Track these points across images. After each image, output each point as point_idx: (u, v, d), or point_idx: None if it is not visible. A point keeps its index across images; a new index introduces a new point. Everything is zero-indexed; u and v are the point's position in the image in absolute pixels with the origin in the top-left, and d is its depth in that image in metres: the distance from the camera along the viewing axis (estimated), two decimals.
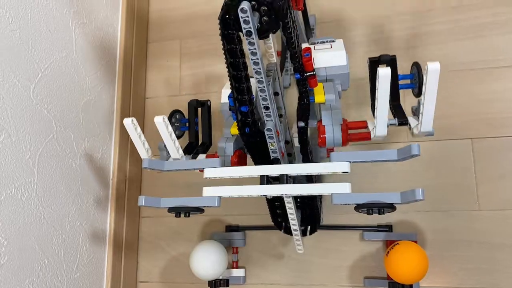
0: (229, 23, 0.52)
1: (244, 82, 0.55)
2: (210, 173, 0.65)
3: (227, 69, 0.57)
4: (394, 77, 0.66)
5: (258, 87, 0.57)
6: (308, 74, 0.60)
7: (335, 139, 0.61)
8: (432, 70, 0.49)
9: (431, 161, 0.93)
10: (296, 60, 0.59)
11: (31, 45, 0.77)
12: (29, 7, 0.76)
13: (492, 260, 0.87)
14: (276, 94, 0.69)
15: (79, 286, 0.87)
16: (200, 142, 0.80)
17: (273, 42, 0.83)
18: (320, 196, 0.90)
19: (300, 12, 0.96)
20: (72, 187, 0.86)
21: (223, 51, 0.54)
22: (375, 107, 0.58)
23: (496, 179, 0.90)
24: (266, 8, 0.52)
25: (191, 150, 0.77)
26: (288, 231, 0.88)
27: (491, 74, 0.94)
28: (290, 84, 1.03)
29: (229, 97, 0.62)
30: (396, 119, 0.62)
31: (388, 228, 0.92)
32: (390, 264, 0.81)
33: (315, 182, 0.82)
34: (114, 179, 1.00)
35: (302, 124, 0.66)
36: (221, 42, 0.53)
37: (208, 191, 0.63)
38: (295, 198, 0.80)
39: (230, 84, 0.57)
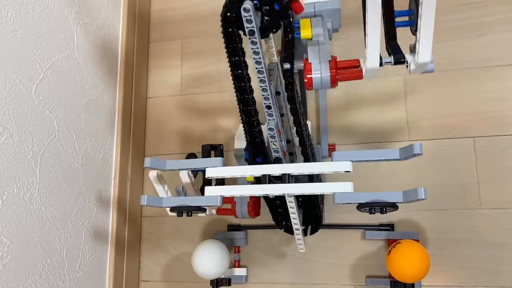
0: (230, 21, 0.52)
1: (241, 55, 0.52)
2: (212, 172, 0.66)
3: (229, 68, 0.57)
4: (391, 13, 0.60)
5: (260, 87, 0.57)
6: None
7: (323, 79, 0.56)
8: None
9: (433, 159, 0.93)
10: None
11: (33, 45, 0.77)
12: (31, 8, 0.77)
13: (493, 259, 0.87)
14: (277, 93, 0.69)
15: (81, 285, 0.87)
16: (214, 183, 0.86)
17: (274, 42, 0.83)
18: (322, 196, 0.90)
19: None
20: (74, 187, 0.86)
21: (225, 49, 0.54)
22: (365, 35, 0.51)
23: (498, 177, 0.90)
24: (268, 8, 0.52)
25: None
26: (288, 230, 0.88)
27: (493, 72, 0.94)
28: None
29: (244, 150, 0.66)
30: (392, 57, 0.56)
31: (390, 227, 0.92)
32: (391, 263, 0.81)
33: (317, 181, 0.82)
34: (116, 178, 1.00)
35: (287, 66, 0.56)
36: (223, 40, 0.54)
37: (210, 191, 0.64)
38: (297, 197, 0.80)
39: (234, 86, 0.56)
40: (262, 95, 0.58)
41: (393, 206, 0.55)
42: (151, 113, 1.15)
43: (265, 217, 0.96)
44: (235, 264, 0.99)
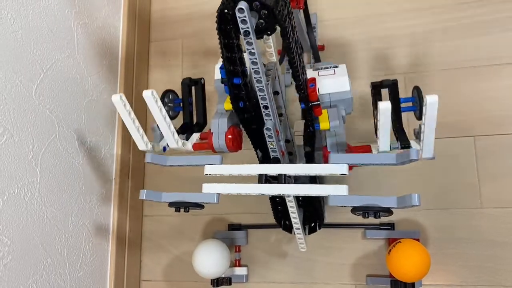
0: (226, 18, 0.52)
1: (236, 52, 0.54)
2: (210, 170, 0.66)
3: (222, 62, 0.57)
4: (396, 101, 0.69)
5: (257, 87, 0.57)
6: (313, 103, 0.62)
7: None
8: (431, 103, 0.51)
9: (433, 159, 0.93)
10: (301, 91, 0.61)
11: (33, 46, 0.77)
12: (31, 8, 0.77)
13: (494, 258, 0.87)
14: (276, 93, 0.69)
15: (82, 284, 0.88)
16: (194, 122, 0.78)
17: (273, 41, 0.83)
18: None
19: (301, 11, 0.96)
20: (75, 187, 0.87)
21: (219, 46, 0.54)
22: (377, 137, 0.59)
23: (499, 176, 0.89)
24: (266, 12, 0.52)
25: (185, 130, 0.75)
26: (286, 228, 0.88)
27: (494, 71, 0.94)
28: (291, 83, 1.03)
29: (220, 68, 0.59)
30: (399, 142, 0.64)
31: (391, 226, 0.92)
32: (392, 262, 0.81)
33: (319, 182, 0.82)
34: (116, 178, 1.01)
35: (308, 149, 0.70)
36: (217, 37, 0.53)
37: (207, 188, 0.64)
38: (297, 196, 0.80)
39: (223, 61, 0.57)
40: (259, 95, 0.58)
41: (387, 211, 0.55)
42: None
43: (266, 216, 0.96)
44: (236, 263, 0.99)
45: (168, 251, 1.06)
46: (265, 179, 0.66)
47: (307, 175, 0.64)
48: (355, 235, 0.95)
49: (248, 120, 0.63)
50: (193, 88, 0.79)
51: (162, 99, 0.76)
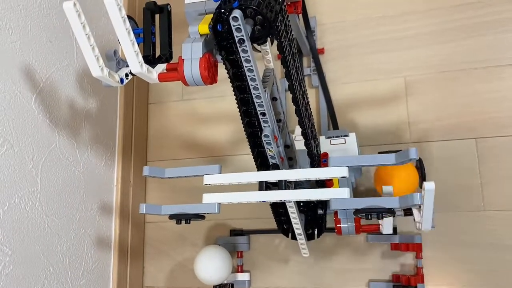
0: (221, 33, 0.52)
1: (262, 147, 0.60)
2: (209, 180, 0.66)
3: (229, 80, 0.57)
4: None
5: (254, 94, 0.57)
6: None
7: (350, 230, 0.79)
8: (428, 190, 0.52)
9: (435, 161, 0.92)
10: (314, 164, 0.71)
11: (32, 56, 0.77)
12: (29, 19, 0.77)
13: (497, 261, 0.86)
14: (274, 99, 0.69)
15: None
16: (157, 55, 0.65)
17: (270, 47, 0.83)
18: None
19: (300, 16, 0.96)
20: (76, 195, 0.87)
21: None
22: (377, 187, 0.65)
23: (501, 179, 0.89)
24: (261, 18, 0.52)
25: (146, 63, 0.58)
26: (285, 232, 0.88)
27: (495, 73, 0.93)
28: None
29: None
30: (402, 210, 0.69)
31: (393, 230, 0.91)
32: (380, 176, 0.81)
33: (320, 186, 0.82)
34: (118, 185, 1.01)
35: (320, 212, 0.82)
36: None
37: (208, 198, 0.64)
38: (298, 202, 0.80)
39: (238, 107, 0.59)
40: (256, 102, 0.58)
41: (390, 211, 0.55)
42: (152, 119, 1.15)
43: (268, 222, 0.96)
44: (238, 269, 0.98)
45: (170, 257, 1.06)
46: (265, 186, 0.66)
47: (307, 179, 0.64)
48: (358, 240, 0.94)
49: (226, 48, 0.54)
50: (156, 16, 0.66)
51: None
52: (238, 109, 0.62)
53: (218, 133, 1.09)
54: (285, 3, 0.55)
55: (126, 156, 1.04)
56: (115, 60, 0.60)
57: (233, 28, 0.48)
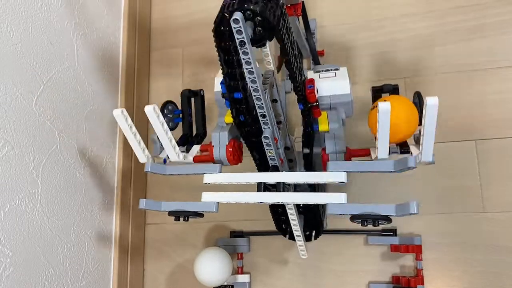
0: (223, 34, 0.53)
1: (236, 67, 0.55)
2: (209, 178, 0.66)
3: (223, 78, 0.58)
4: None
5: (254, 96, 0.57)
6: (311, 105, 0.62)
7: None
8: (431, 105, 0.49)
9: (435, 163, 0.92)
10: (299, 92, 0.61)
11: (33, 58, 0.78)
12: (30, 21, 0.78)
13: (498, 263, 0.86)
14: (274, 101, 0.69)
15: None
16: (194, 133, 0.78)
17: (270, 49, 0.83)
18: None
19: (300, 18, 0.96)
20: (76, 196, 0.87)
21: (219, 62, 0.55)
22: (376, 138, 0.58)
23: (501, 180, 0.89)
24: (260, 19, 0.52)
25: (185, 141, 0.75)
26: (293, 237, 0.88)
27: (495, 74, 0.93)
28: (291, 89, 1.03)
29: (221, 83, 0.60)
30: (398, 147, 0.64)
31: (393, 232, 0.91)
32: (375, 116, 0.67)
33: (319, 189, 0.82)
34: (118, 187, 1.01)
35: (307, 150, 0.69)
36: (217, 54, 0.54)
37: (207, 197, 0.64)
38: (297, 204, 0.80)
39: (223, 76, 0.57)
40: (256, 104, 0.58)
41: (386, 219, 0.55)
42: None
43: (268, 223, 0.96)
44: (238, 270, 0.99)
45: (171, 259, 1.06)
46: (264, 187, 0.66)
47: (306, 183, 0.64)
48: (357, 242, 0.94)
49: (248, 134, 0.63)
50: (192, 99, 0.79)
51: (162, 110, 0.76)
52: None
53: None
54: (285, 6, 0.55)
55: (126, 157, 1.04)
56: (158, 142, 0.70)
57: (234, 30, 0.49)
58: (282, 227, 0.88)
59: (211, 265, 0.88)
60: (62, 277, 0.82)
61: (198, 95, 0.79)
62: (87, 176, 0.91)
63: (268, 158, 0.65)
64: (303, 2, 0.88)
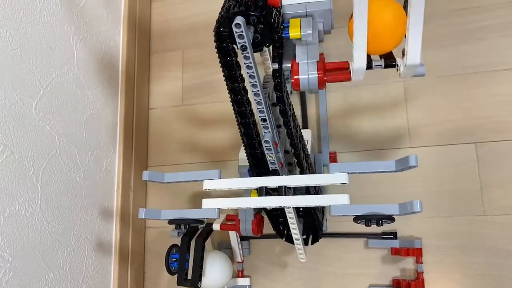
0: (223, 36, 0.53)
1: (236, 69, 0.56)
2: (209, 185, 0.66)
3: (225, 82, 0.58)
4: None
5: (255, 100, 0.58)
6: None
7: (310, 80, 0.54)
8: None
9: (435, 166, 0.93)
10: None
11: (32, 63, 0.78)
12: (29, 26, 0.78)
13: (498, 266, 0.86)
14: (274, 105, 0.69)
15: None
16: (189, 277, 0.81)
17: (269, 54, 0.83)
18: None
19: None
20: (76, 201, 0.87)
21: (219, 64, 0.55)
22: (352, 45, 0.49)
23: (501, 183, 0.89)
24: (262, 26, 0.52)
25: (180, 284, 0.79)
26: (289, 239, 0.88)
27: (494, 77, 0.94)
28: (291, 92, 1.03)
29: (248, 171, 0.70)
30: (383, 59, 0.54)
31: (393, 235, 0.91)
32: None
33: (316, 192, 0.82)
34: (118, 191, 1.01)
35: (275, 66, 0.57)
36: (217, 55, 0.54)
37: (208, 203, 0.64)
38: (296, 208, 0.80)
39: (233, 108, 0.60)
40: (257, 108, 0.58)
41: (389, 218, 0.55)
42: (153, 124, 1.15)
43: (268, 226, 0.96)
44: (239, 274, 0.98)
45: None
46: (265, 191, 0.66)
47: (308, 185, 0.64)
48: (357, 245, 0.94)
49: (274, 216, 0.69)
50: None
51: (167, 255, 0.81)
52: (233, 111, 0.63)
53: (219, 138, 1.09)
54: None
55: (126, 161, 1.04)
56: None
57: (235, 34, 0.49)
58: (280, 228, 0.88)
59: (212, 269, 0.88)
60: (62, 282, 0.82)
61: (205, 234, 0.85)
62: (87, 180, 0.91)
63: (269, 162, 0.65)
64: None
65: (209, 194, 0.94)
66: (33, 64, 0.78)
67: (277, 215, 0.82)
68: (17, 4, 0.75)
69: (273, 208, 0.81)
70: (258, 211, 0.78)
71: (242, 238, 1.01)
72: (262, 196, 0.64)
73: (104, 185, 0.97)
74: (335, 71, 0.54)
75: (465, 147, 0.92)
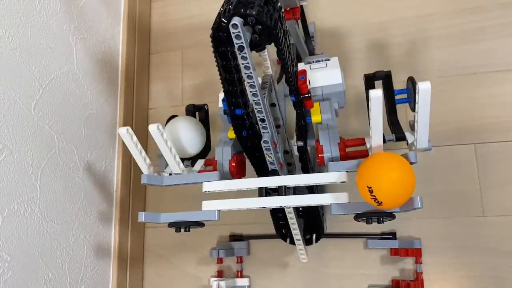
0: (221, 40, 0.53)
1: (237, 85, 0.55)
2: (209, 187, 0.66)
3: (221, 84, 0.58)
4: (390, 93, 0.68)
5: (253, 100, 0.57)
6: (303, 96, 0.61)
7: (333, 158, 0.62)
8: (423, 90, 0.49)
9: (434, 167, 0.92)
10: (291, 84, 0.60)
11: (32, 63, 0.78)
12: (29, 25, 0.78)
13: (497, 267, 0.86)
14: (273, 105, 0.69)
15: None
16: None
17: (268, 54, 0.83)
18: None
19: (299, 21, 0.96)
20: (75, 201, 0.87)
21: (217, 68, 0.55)
22: (370, 127, 0.57)
23: (501, 184, 0.89)
24: (260, 27, 0.52)
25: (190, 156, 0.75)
26: (293, 241, 0.88)
27: (494, 78, 0.93)
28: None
29: (222, 100, 0.61)
30: (394, 135, 0.63)
31: (392, 235, 0.91)
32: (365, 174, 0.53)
33: (317, 191, 0.82)
34: (118, 191, 1.01)
35: (300, 143, 0.67)
36: (215, 59, 0.54)
37: (207, 205, 0.64)
38: (297, 207, 0.80)
39: (224, 90, 0.57)
40: (255, 108, 0.58)
41: (390, 215, 0.55)
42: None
43: (268, 227, 0.96)
44: (238, 274, 0.98)
45: (170, 262, 1.06)
46: (265, 191, 0.66)
47: (308, 185, 0.64)
48: (357, 245, 0.94)
49: (251, 148, 0.64)
50: (197, 114, 0.80)
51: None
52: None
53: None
54: (283, 10, 0.55)
55: (125, 162, 1.04)
56: (164, 158, 0.69)
57: (232, 35, 0.49)
58: (282, 232, 0.87)
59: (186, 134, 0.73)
60: (61, 281, 0.82)
61: (202, 109, 0.80)
62: (86, 180, 0.91)
63: (268, 162, 0.65)
64: (301, 6, 0.88)
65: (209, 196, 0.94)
66: (32, 64, 0.78)
67: (280, 218, 0.82)
68: (16, 4, 0.75)
69: (276, 210, 0.81)
70: (237, 151, 0.70)
71: (240, 238, 1.01)
72: (263, 196, 0.64)
73: (103, 185, 0.97)
74: (353, 148, 0.65)
75: (465, 147, 0.92)
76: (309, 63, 0.76)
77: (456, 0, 0.99)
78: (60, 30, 0.86)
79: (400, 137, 0.62)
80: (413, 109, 0.63)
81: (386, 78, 0.69)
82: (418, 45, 1.00)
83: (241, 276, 0.98)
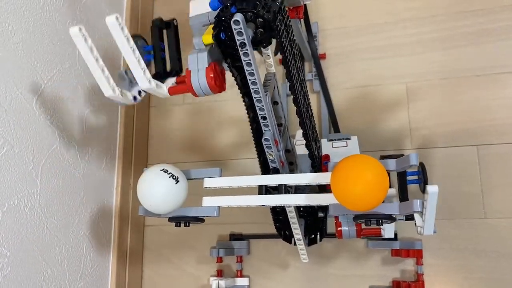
0: (224, 41, 0.52)
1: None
2: (210, 183, 0.66)
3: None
4: (402, 174, 0.75)
5: (255, 97, 0.57)
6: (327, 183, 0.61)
7: (351, 234, 0.74)
8: (432, 193, 0.51)
9: (436, 168, 0.92)
10: (316, 167, 0.70)
11: (34, 58, 0.78)
12: (32, 20, 0.77)
13: (499, 270, 0.86)
14: (275, 103, 0.69)
15: None
16: (168, 69, 0.66)
17: (271, 51, 0.83)
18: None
19: (302, 20, 0.96)
20: (75, 197, 0.87)
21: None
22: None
23: (503, 186, 0.88)
24: (262, 20, 0.52)
25: (159, 79, 0.60)
26: (287, 239, 0.87)
27: (497, 80, 0.93)
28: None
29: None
30: (404, 216, 0.67)
31: (393, 236, 0.91)
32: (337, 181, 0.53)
33: (321, 190, 0.81)
34: (118, 188, 1.01)
35: (321, 215, 0.79)
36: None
37: (208, 201, 0.64)
38: (298, 206, 0.80)
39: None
40: (257, 106, 0.58)
41: (390, 218, 0.55)
42: (153, 122, 1.15)
43: (268, 226, 0.95)
44: (237, 273, 0.98)
45: (170, 261, 1.05)
46: (265, 190, 0.66)
47: (308, 184, 0.64)
48: (357, 246, 0.94)
49: (230, 55, 0.55)
50: (164, 31, 0.68)
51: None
52: (247, 115, 0.62)
53: (219, 137, 1.08)
54: (284, 3, 0.55)
55: (126, 159, 1.04)
56: (127, 79, 0.61)
57: (234, 32, 0.48)
58: (286, 234, 0.87)
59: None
60: (60, 278, 0.81)
61: (171, 26, 0.68)
62: (87, 177, 0.91)
63: (269, 160, 0.65)
64: (305, 5, 0.88)
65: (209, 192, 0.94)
66: (35, 59, 0.78)
67: (282, 218, 0.81)
68: None
69: (277, 210, 0.80)
70: (215, 59, 0.56)
71: (240, 238, 1.01)
72: (263, 194, 0.64)
73: (103, 182, 0.97)
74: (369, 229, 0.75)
75: (467, 149, 0.91)
76: (331, 140, 0.86)
77: (460, 2, 0.99)
78: (62, 26, 0.85)
79: (409, 218, 0.67)
80: (423, 191, 0.71)
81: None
82: (421, 46, 0.99)
83: (241, 276, 0.98)
